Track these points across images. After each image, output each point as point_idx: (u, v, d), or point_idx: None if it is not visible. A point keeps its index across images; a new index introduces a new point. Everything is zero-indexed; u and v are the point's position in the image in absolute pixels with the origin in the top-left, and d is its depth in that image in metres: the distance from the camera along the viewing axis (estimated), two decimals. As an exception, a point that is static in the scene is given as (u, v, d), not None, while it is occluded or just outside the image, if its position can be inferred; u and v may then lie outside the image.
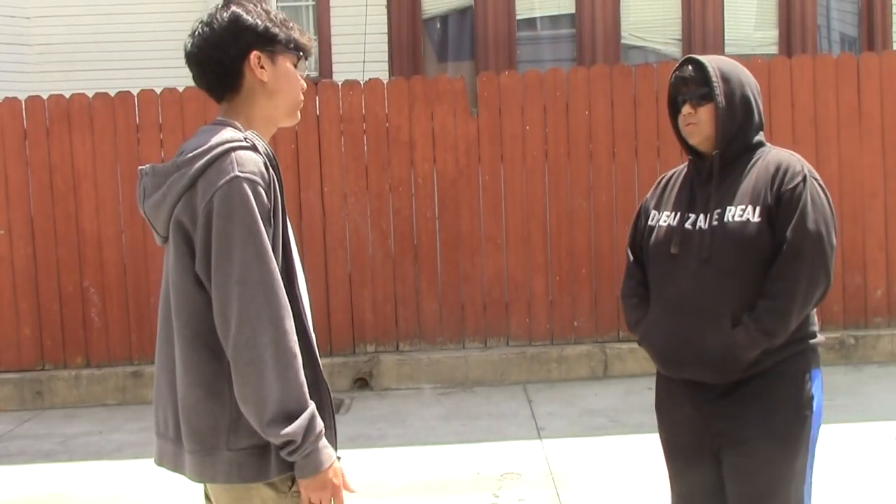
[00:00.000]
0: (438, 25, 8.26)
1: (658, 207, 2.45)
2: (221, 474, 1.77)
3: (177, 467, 1.86)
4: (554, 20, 8.21)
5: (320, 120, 6.23)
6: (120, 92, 6.27)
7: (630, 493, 4.06)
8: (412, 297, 6.28)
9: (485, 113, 6.25)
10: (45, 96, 6.30)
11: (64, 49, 7.97)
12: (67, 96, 6.28)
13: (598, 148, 6.24)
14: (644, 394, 5.71)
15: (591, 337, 6.28)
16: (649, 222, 2.45)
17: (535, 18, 8.20)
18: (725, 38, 7.95)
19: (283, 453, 1.71)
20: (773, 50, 7.94)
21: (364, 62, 7.59)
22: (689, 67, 2.33)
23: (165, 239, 1.82)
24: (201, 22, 1.87)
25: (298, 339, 1.75)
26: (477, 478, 4.37)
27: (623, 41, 8.07)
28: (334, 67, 8.03)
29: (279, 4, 8.12)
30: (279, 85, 1.88)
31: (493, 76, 6.32)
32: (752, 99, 2.31)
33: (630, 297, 2.49)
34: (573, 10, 8.05)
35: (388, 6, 8.02)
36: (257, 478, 1.76)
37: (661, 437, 2.50)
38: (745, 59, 6.40)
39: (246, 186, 1.69)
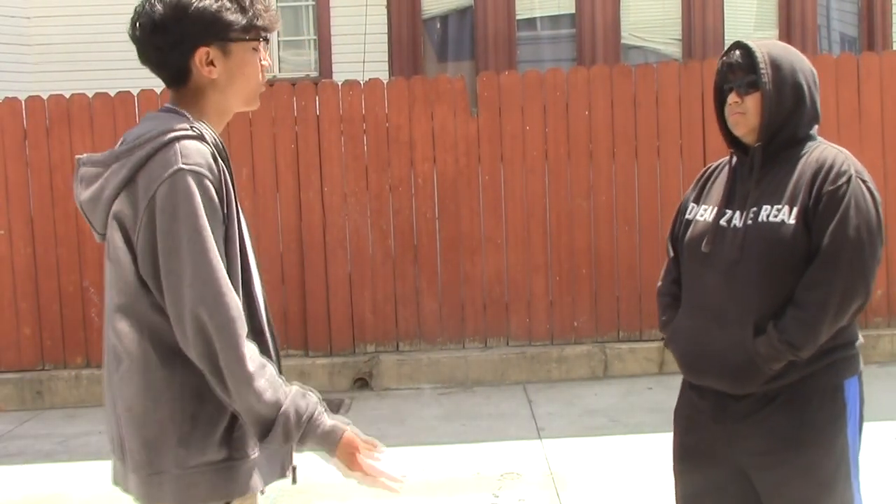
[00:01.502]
0: (438, 25, 8.26)
1: (697, 201, 2.30)
2: (169, 495, 1.58)
3: (126, 487, 1.69)
4: (554, 20, 8.22)
5: (320, 120, 6.23)
6: (120, 92, 6.27)
7: (630, 493, 4.06)
8: (412, 297, 6.28)
9: (485, 113, 6.24)
10: (45, 96, 6.30)
11: (64, 49, 7.97)
12: (67, 96, 6.28)
13: (598, 148, 6.24)
14: (644, 394, 5.71)
15: (591, 337, 6.28)
16: (687, 216, 2.30)
17: (535, 18, 8.21)
18: (725, 38, 7.95)
19: (296, 447, 1.61)
20: (773, 50, 7.94)
21: (364, 62, 7.60)
22: (737, 53, 2.16)
23: (103, 236, 1.66)
24: (143, 3, 1.65)
25: (255, 341, 1.60)
26: (477, 478, 4.37)
27: (623, 41, 8.07)
28: (334, 67, 8.03)
29: (279, 5, 8.13)
30: (232, 79, 1.68)
31: (493, 76, 6.32)
32: (806, 87, 2.12)
33: (664, 295, 2.36)
34: (573, 10, 8.05)
35: (388, 6, 8.02)
36: (208, 499, 1.58)
37: (675, 440, 2.35)
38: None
39: (191, 179, 1.53)
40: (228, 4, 1.64)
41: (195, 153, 1.56)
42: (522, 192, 6.25)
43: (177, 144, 1.56)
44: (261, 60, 1.72)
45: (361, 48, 7.70)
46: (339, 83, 6.32)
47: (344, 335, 6.29)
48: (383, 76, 7.53)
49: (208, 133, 1.62)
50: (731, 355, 2.09)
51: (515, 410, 5.49)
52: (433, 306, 6.28)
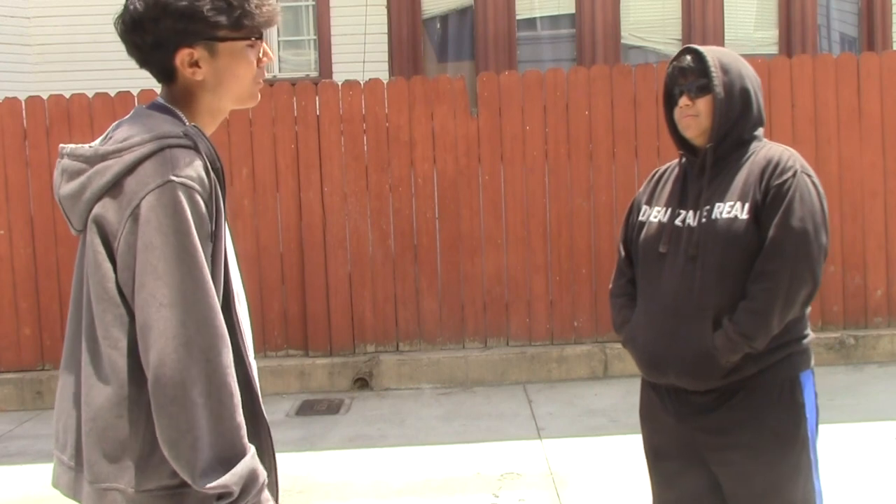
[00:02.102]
0: (438, 25, 8.26)
1: (650, 202, 2.36)
2: None
3: (75, 495, 1.55)
4: (554, 20, 8.22)
5: (320, 120, 6.23)
6: (120, 92, 6.27)
7: (630, 493, 4.06)
8: (412, 297, 6.28)
9: (485, 113, 6.25)
10: (45, 96, 6.30)
11: (64, 49, 7.97)
12: (67, 96, 6.28)
13: (598, 148, 6.24)
14: (644, 394, 5.71)
15: (591, 337, 6.28)
16: (640, 217, 2.36)
17: (535, 18, 8.21)
18: (725, 37, 7.96)
19: None
20: (773, 50, 7.95)
21: (364, 62, 7.60)
22: (688, 58, 2.24)
23: (80, 232, 1.54)
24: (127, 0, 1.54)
25: (237, 371, 1.47)
26: (477, 478, 4.37)
27: (623, 41, 8.07)
28: (334, 67, 8.03)
29: (278, 5, 8.12)
30: (221, 80, 1.56)
31: (493, 76, 6.32)
32: (752, 92, 2.22)
33: (618, 296, 2.41)
34: (573, 10, 8.06)
35: (388, 6, 8.02)
36: None
37: (644, 442, 2.41)
38: (745, 58, 6.41)
39: (181, 193, 1.42)
40: (212, 2, 1.51)
41: (187, 165, 1.44)
42: (522, 191, 6.25)
43: (168, 152, 1.44)
44: (260, 55, 1.60)
45: (361, 48, 7.70)
46: (340, 83, 6.32)
47: (344, 335, 6.30)
48: (383, 76, 7.54)
49: (203, 142, 1.51)
50: (690, 351, 2.13)
51: (515, 410, 5.49)
52: (433, 306, 6.28)
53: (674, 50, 7.99)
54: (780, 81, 6.22)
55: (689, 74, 2.23)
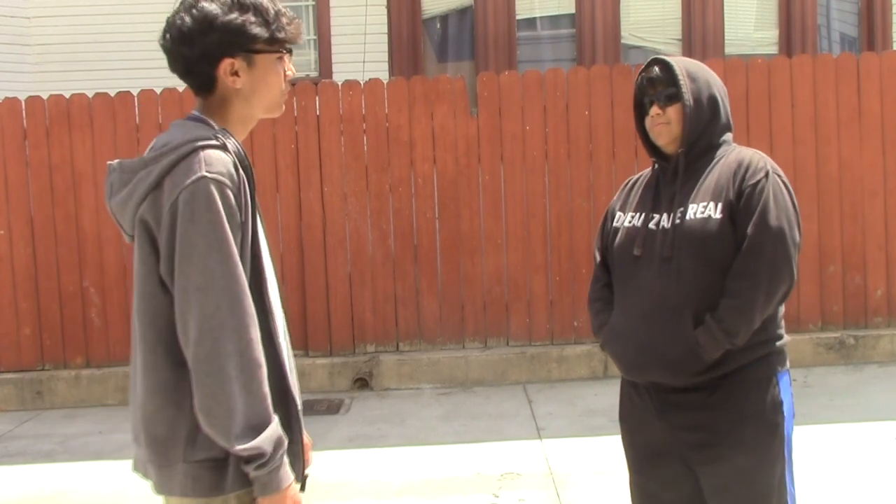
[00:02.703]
0: (438, 25, 8.26)
1: (623, 209, 2.44)
2: (178, 487, 1.67)
3: (147, 475, 1.77)
4: (554, 20, 8.22)
5: (320, 120, 6.23)
6: (120, 92, 6.27)
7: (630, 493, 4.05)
8: (412, 297, 6.28)
9: (485, 113, 6.25)
10: (44, 96, 6.30)
11: (64, 49, 7.97)
12: (67, 96, 6.28)
13: (598, 148, 6.24)
14: (644, 394, 5.71)
15: (591, 337, 6.27)
16: (615, 224, 2.43)
17: (534, 18, 8.21)
18: (725, 37, 7.96)
19: (249, 468, 1.60)
20: (773, 50, 7.95)
21: (364, 62, 7.60)
22: (656, 68, 2.32)
23: (132, 237, 1.73)
24: (174, 14, 1.73)
25: (266, 350, 1.65)
26: (477, 478, 4.37)
27: (623, 41, 8.07)
28: (334, 67, 8.03)
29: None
30: (256, 88, 1.76)
31: (492, 76, 6.32)
32: (719, 99, 2.31)
33: (595, 300, 2.46)
34: (573, 10, 8.05)
35: (388, 6, 8.02)
36: (212, 492, 1.65)
37: (624, 443, 2.47)
38: (745, 58, 6.42)
39: (213, 187, 1.60)
40: (253, 18, 1.71)
41: (217, 162, 1.63)
42: (522, 192, 6.25)
43: (201, 153, 1.63)
44: (285, 70, 1.79)
45: (361, 48, 7.70)
46: (340, 83, 6.32)
47: (344, 335, 6.30)
48: (383, 76, 7.54)
49: (231, 143, 1.69)
50: (670, 348, 2.19)
51: (515, 410, 5.49)
52: (433, 306, 6.28)
53: (674, 50, 8.00)
54: (780, 81, 6.22)
55: (657, 84, 2.31)
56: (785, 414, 2.21)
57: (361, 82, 6.30)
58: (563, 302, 6.27)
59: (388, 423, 5.37)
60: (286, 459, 1.65)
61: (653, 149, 2.40)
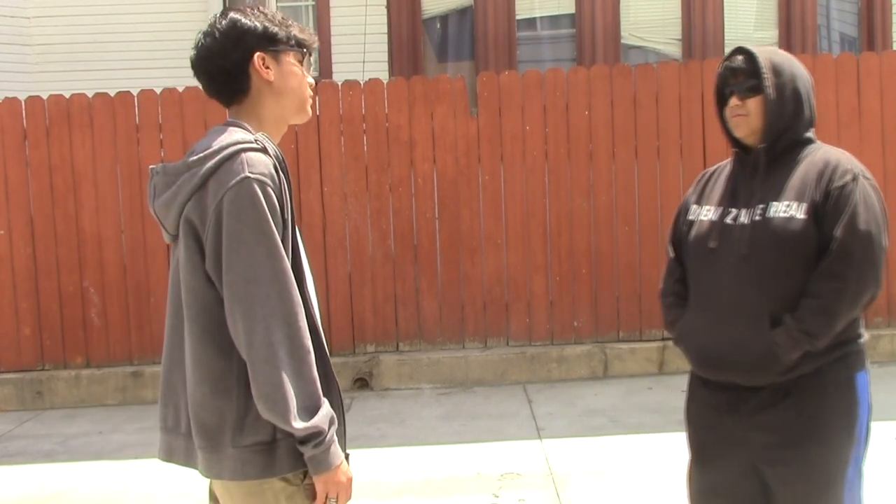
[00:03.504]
0: (438, 25, 8.26)
1: (699, 202, 2.37)
2: (227, 471, 1.78)
3: (189, 462, 1.87)
4: (554, 20, 8.22)
5: (320, 120, 6.23)
6: (120, 92, 6.27)
7: (630, 494, 4.06)
8: (412, 297, 6.28)
9: (485, 113, 6.25)
10: (44, 96, 6.30)
11: (64, 49, 7.97)
12: (67, 96, 6.28)
13: (598, 148, 6.24)
14: (644, 394, 5.71)
15: (591, 337, 6.28)
16: (689, 217, 2.37)
17: (534, 18, 8.21)
18: (725, 38, 7.96)
19: (306, 447, 1.72)
20: (773, 50, 7.94)
21: (364, 62, 7.59)
22: (740, 58, 2.26)
23: (174, 237, 1.84)
24: (202, 32, 1.89)
25: (311, 338, 1.77)
26: (477, 478, 4.37)
27: (623, 41, 8.07)
28: (334, 67, 8.03)
29: (279, 5, 8.13)
30: (286, 83, 1.91)
31: (492, 76, 6.32)
32: (805, 93, 2.23)
33: (667, 295, 2.43)
34: (573, 10, 8.05)
35: (388, 6, 8.02)
36: (262, 475, 1.77)
37: (689, 435, 2.41)
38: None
39: (256, 187, 1.72)
40: (274, 20, 1.90)
41: (259, 163, 1.75)
42: (522, 192, 6.25)
43: (243, 155, 1.74)
44: (305, 74, 1.95)
45: (361, 48, 7.69)
46: (339, 83, 6.32)
47: (344, 335, 6.29)
48: (383, 76, 7.53)
49: (270, 146, 1.81)
50: (747, 348, 2.15)
51: (515, 410, 5.49)
52: (433, 306, 6.28)
53: (674, 50, 8.00)
54: (780, 81, 6.21)
55: (739, 75, 2.25)
56: (861, 415, 2.19)
57: (361, 82, 6.30)
58: (563, 302, 6.27)
59: (388, 423, 5.37)
60: (336, 438, 1.77)
61: (733, 139, 2.33)
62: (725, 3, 7.98)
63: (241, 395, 1.75)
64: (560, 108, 6.23)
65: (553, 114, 6.23)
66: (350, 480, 1.79)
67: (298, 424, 1.69)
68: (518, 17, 8.10)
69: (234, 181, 1.71)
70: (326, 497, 1.76)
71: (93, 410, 6.06)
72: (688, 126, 6.20)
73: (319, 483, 1.75)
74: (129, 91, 6.28)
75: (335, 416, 1.78)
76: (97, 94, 6.27)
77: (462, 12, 8.19)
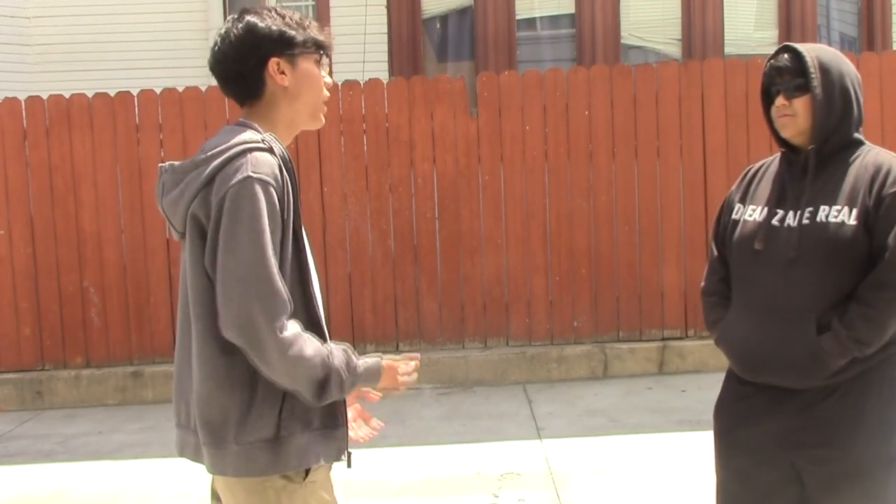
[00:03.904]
0: (438, 25, 8.26)
1: (743, 201, 2.32)
2: (231, 467, 1.79)
3: (198, 457, 1.89)
4: (554, 20, 8.22)
5: (320, 120, 6.22)
6: (119, 92, 6.27)
7: (630, 494, 4.06)
8: (412, 298, 6.28)
9: (484, 113, 6.25)
10: (44, 96, 6.30)
11: (64, 49, 7.97)
12: (67, 96, 6.28)
13: (598, 148, 6.24)
14: (644, 394, 5.71)
15: (590, 337, 6.27)
16: (734, 216, 2.32)
17: (534, 18, 8.21)
18: (725, 38, 7.96)
19: (345, 388, 1.81)
20: (773, 50, 7.93)
21: (364, 62, 7.59)
22: (786, 56, 2.21)
23: (182, 235, 1.87)
24: (219, 35, 1.90)
25: (312, 332, 1.80)
26: (477, 478, 4.37)
27: (623, 41, 8.07)
28: (334, 67, 7.98)
29: (280, 4, 8.13)
30: (300, 89, 1.92)
31: (492, 76, 6.32)
32: (853, 92, 2.17)
33: (710, 294, 2.38)
34: (573, 10, 8.05)
35: (388, 6, 8.02)
36: (265, 471, 1.78)
37: (720, 437, 2.34)
38: (744, 59, 6.41)
39: (257, 187, 1.74)
40: (291, 23, 1.89)
41: (264, 164, 1.77)
42: (522, 192, 6.25)
43: (249, 155, 1.77)
44: (322, 75, 1.96)
45: (361, 48, 7.69)
46: (339, 83, 6.32)
47: (344, 335, 6.29)
48: (383, 76, 7.53)
49: (277, 146, 1.83)
50: (793, 351, 2.12)
51: (515, 410, 5.49)
52: (433, 306, 6.28)
53: (673, 50, 8.00)
54: (780, 81, 6.21)
55: (785, 73, 2.20)
56: None
57: (361, 82, 6.30)
58: (563, 302, 6.27)
59: (387, 423, 5.35)
60: (361, 362, 1.85)
61: (780, 139, 2.27)
62: (725, 3, 7.98)
63: (244, 391, 1.78)
64: (560, 109, 6.23)
65: (553, 114, 6.23)
66: (393, 368, 1.93)
67: (325, 400, 1.77)
68: (518, 17, 8.09)
69: (236, 180, 1.73)
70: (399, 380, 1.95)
71: (93, 410, 6.06)
72: (687, 126, 6.20)
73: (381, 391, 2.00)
74: (128, 91, 6.28)
75: (343, 354, 1.82)
76: (97, 94, 6.27)
77: (462, 12, 8.19)
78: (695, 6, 7.94)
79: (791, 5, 7.96)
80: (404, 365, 1.98)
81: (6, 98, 6.34)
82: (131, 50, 7.83)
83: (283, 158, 1.83)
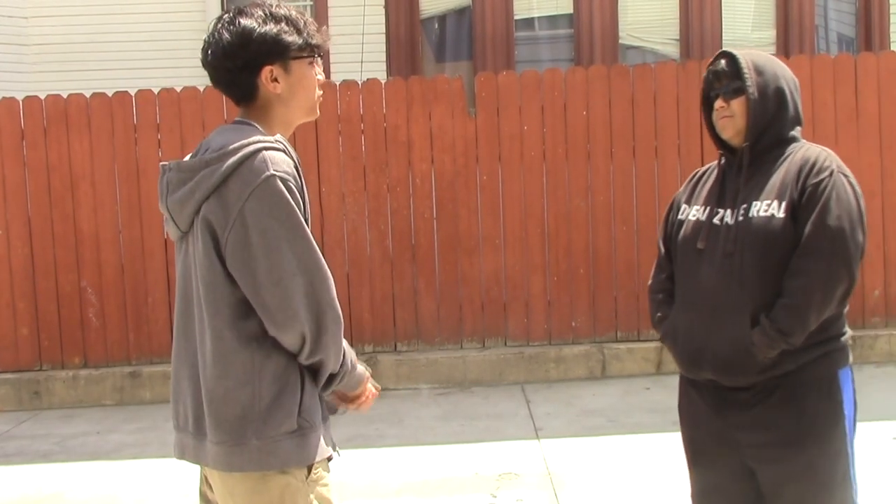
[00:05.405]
0: (436, 25, 8.26)
1: (689, 201, 2.41)
2: (252, 463, 1.78)
3: (197, 460, 1.88)
4: (552, 20, 8.22)
5: (318, 120, 6.20)
6: (117, 92, 6.27)
7: (628, 494, 4.06)
8: (410, 298, 6.28)
9: (483, 113, 6.25)
10: (42, 96, 6.29)
11: (61, 49, 7.96)
12: (65, 96, 6.27)
13: (596, 148, 6.24)
14: (642, 394, 5.71)
15: (589, 337, 6.28)
16: (679, 216, 2.41)
17: (532, 18, 8.20)
18: (723, 38, 7.95)
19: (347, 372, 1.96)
20: (771, 50, 7.95)
21: (362, 62, 7.59)
22: (723, 62, 2.30)
23: (184, 233, 1.85)
24: (212, 35, 1.87)
25: None
26: (475, 478, 4.37)
27: (621, 41, 8.07)
28: (332, 67, 8.02)
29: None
30: (294, 92, 1.91)
31: (490, 76, 6.32)
32: (788, 92, 2.26)
33: (656, 292, 2.45)
34: (571, 11, 8.05)
35: (386, 6, 8.01)
36: (286, 465, 1.79)
37: (683, 435, 2.45)
38: (742, 59, 6.42)
39: (280, 184, 1.74)
40: (286, 28, 1.86)
41: (282, 162, 1.77)
42: (520, 192, 6.25)
43: (265, 153, 1.76)
44: (316, 74, 1.95)
45: (359, 48, 7.69)
46: (337, 83, 6.32)
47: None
48: (381, 76, 7.53)
49: (288, 147, 1.84)
50: (727, 347, 2.17)
51: (513, 410, 5.49)
52: (431, 306, 6.28)
53: (672, 50, 8.00)
54: (778, 82, 6.21)
55: (723, 77, 2.29)
56: (846, 411, 2.19)
57: (359, 82, 6.30)
58: (561, 302, 6.27)
59: (386, 423, 5.37)
60: (360, 368, 2.02)
61: (720, 142, 2.37)
62: (723, 4, 7.98)
63: (262, 386, 1.78)
64: (558, 109, 6.23)
65: (551, 114, 6.23)
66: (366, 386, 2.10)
67: (354, 383, 1.98)
68: (516, 18, 8.09)
69: (259, 179, 1.73)
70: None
71: (90, 411, 6.06)
72: (686, 126, 6.21)
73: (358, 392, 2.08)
74: (126, 91, 6.28)
75: (352, 357, 1.96)
76: (95, 95, 6.26)
77: (460, 12, 8.19)
78: (693, 7, 7.94)
79: (789, 6, 7.97)
80: (373, 388, 2.13)
81: (3, 98, 6.33)
82: (129, 50, 7.82)
83: (293, 158, 1.84)
